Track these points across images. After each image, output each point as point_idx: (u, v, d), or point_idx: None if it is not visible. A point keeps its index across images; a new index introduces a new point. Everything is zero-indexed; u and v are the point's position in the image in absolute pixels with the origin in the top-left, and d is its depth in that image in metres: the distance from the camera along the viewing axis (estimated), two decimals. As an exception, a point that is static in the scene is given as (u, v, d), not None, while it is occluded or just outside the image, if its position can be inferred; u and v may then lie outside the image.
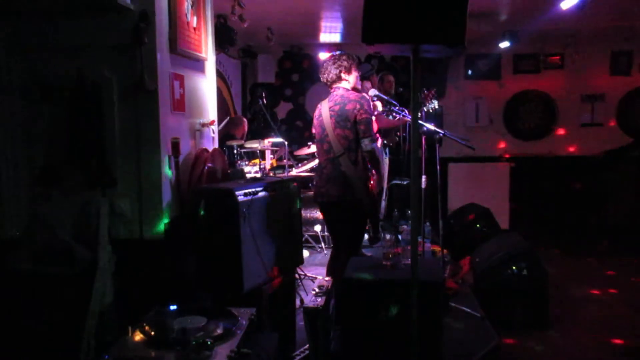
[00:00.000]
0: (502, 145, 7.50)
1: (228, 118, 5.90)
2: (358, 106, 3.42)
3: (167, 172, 2.88)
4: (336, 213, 3.57)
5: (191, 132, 3.23)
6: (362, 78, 4.81)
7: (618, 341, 3.74)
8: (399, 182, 5.75)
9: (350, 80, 3.55)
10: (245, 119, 6.00)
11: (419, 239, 3.60)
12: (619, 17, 6.09)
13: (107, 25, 2.74)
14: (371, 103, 3.80)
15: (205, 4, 3.43)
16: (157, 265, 2.77)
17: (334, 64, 3.52)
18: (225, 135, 5.35)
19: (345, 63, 3.51)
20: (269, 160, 4.87)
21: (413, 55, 2.20)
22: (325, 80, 3.58)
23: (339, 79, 3.53)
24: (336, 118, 3.46)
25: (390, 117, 4.25)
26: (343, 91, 3.52)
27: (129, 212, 2.83)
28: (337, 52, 3.60)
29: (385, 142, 5.33)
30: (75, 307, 2.57)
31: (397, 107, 4.06)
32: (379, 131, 3.79)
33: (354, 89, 3.56)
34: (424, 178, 4.08)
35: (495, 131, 7.50)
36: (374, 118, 3.93)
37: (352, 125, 3.43)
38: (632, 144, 7.16)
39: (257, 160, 4.90)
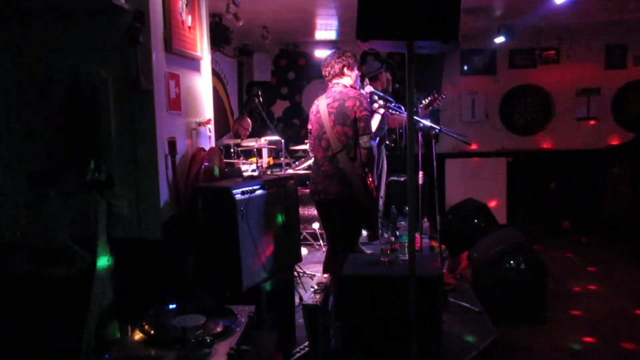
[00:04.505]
0: (498, 140, 7.51)
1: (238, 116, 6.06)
2: (358, 103, 3.45)
3: (164, 171, 2.88)
4: (334, 210, 3.58)
5: (187, 131, 3.23)
6: (371, 78, 4.77)
7: (616, 336, 3.75)
8: (396, 178, 5.75)
9: (351, 76, 3.62)
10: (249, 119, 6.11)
11: (417, 235, 3.62)
12: (613, 11, 6.10)
13: (102, 26, 2.73)
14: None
15: (200, 3, 3.43)
16: (155, 265, 2.78)
17: (338, 58, 3.59)
18: (233, 134, 5.42)
19: (349, 60, 3.60)
20: (266, 159, 4.88)
21: (408, 51, 2.21)
22: (327, 74, 3.64)
23: (341, 73, 3.59)
24: (335, 115, 3.48)
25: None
26: (342, 87, 3.56)
27: (126, 212, 2.83)
28: (341, 49, 3.70)
29: (387, 142, 5.30)
30: (74, 308, 2.56)
31: (394, 104, 4.07)
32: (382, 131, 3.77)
33: (352, 86, 3.61)
34: (421, 174, 4.09)
35: (491, 126, 7.51)
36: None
37: (352, 122, 3.45)
38: (634, 140, 7.16)
39: (254, 159, 4.91)
